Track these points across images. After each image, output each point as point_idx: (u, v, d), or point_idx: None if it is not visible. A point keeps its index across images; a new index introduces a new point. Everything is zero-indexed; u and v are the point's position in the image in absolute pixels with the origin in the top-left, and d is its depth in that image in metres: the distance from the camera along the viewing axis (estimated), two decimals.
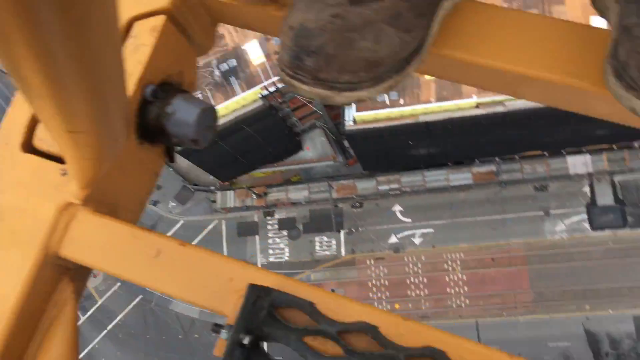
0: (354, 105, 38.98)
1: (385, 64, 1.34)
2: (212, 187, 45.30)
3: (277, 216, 44.19)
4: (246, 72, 39.35)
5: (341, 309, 1.48)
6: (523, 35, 1.45)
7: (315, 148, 45.21)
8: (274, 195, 43.81)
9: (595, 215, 40.42)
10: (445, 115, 38.13)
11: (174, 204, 45.24)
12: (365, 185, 43.09)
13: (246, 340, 1.42)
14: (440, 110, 38.37)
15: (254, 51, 39.85)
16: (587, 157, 40.54)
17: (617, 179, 40.97)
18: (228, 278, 1.50)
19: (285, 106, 40.54)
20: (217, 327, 1.44)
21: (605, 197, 40.75)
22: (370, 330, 1.41)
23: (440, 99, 38.94)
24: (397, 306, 42.78)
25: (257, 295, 1.49)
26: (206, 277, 1.52)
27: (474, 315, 41.50)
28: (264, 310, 1.49)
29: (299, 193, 43.62)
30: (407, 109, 38.53)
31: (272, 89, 38.36)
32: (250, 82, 39.57)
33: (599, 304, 40.21)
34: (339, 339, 1.43)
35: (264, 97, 38.47)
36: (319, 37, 1.28)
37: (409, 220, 43.58)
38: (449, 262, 42.19)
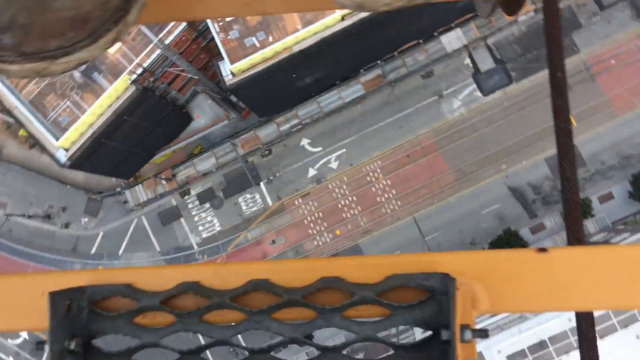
0: (226, 59, 42.65)
1: (94, 18, 1.33)
2: (119, 189, 47.14)
3: (193, 192, 47.49)
4: (106, 63, 41.42)
5: (160, 278, 1.78)
6: None
7: (205, 114, 48.57)
8: (183, 173, 46.13)
9: (483, 81, 46.82)
10: (316, 38, 42.11)
11: (86, 219, 47.53)
12: (267, 132, 47.12)
13: (73, 346, 1.57)
14: (310, 35, 42.15)
15: None
16: (458, 31, 46.14)
17: (491, 41, 47.26)
18: (38, 294, 1.63)
19: (159, 83, 43.04)
20: (40, 345, 1.57)
21: (485, 62, 47.11)
22: (191, 287, 1.74)
23: (306, 23, 42.78)
24: (338, 232, 48.34)
25: (69, 298, 1.64)
26: (13, 300, 1.67)
27: (409, 213, 47.53)
28: (84, 310, 1.67)
29: (206, 163, 45.91)
30: (278, 44, 42.01)
31: (139, 70, 41.09)
32: (114, 72, 40.92)
33: (512, 160, 47.12)
34: (165, 307, 1.72)
35: (134, 81, 40.41)
36: (8, 10, 1.26)
37: (320, 149, 48.40)
38: (371, 174, 47.61)
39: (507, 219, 45.63)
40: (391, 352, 1.89)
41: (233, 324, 1.83)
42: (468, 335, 1.83)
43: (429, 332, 1.90)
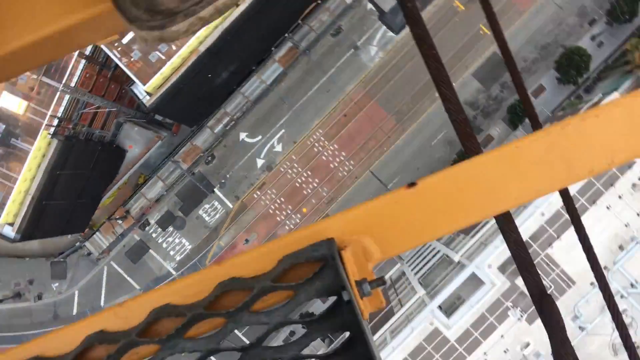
0: (137, 82, 41.69)
1: None
2: (77, 244, 46.33)
3: (153, 221, 46.75)
4: (20, 125, 40.18)
5: (65, 338, 1.75)
6: None
7: (136, 142, 47.65)
8: (136, 206, 45.61)
9: (390, 20, 47.18)
10: (218, 31, 41.92)
11: (56, 284, 46.59)
12: (203, 138, 46.46)
13: None
14: (211, 30, 41.90)
15: (10, 101, 39.03)
16: None
17: None
18: None
19: (80, 127, 41.94)
20: None
21: (387, 1, 47.67)
22: (96, 338, 1.75)
23: None
24: (304, 210, 48.69)
25: None
26: None
27: (365, 168, 48.07)
28: None
29: (154, 188, 44.98)
30: (183, 50, 41.14)
31: (55, 122, 39.97)
32: (31, 132, 39.72)
33: None
34: None
35: (54, 134, 39.46)
36: None
37: (259, 137, 48.20)
38: (316, 144, 47.84)
39: (456, 142, 46.51)
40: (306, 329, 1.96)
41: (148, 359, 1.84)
42: (367, 288, 1.91)
43: (335, 298, 1.97)
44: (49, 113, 38.90)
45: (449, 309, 34.45)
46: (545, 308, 3.06)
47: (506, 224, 3.13)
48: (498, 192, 2.04)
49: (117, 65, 39.88)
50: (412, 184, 2.06)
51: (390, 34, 46.75)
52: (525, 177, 2.02)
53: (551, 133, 2.00)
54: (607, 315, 32.44)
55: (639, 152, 1.94)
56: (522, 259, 3.09)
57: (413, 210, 2.06)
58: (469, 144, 3.33)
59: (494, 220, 3.01)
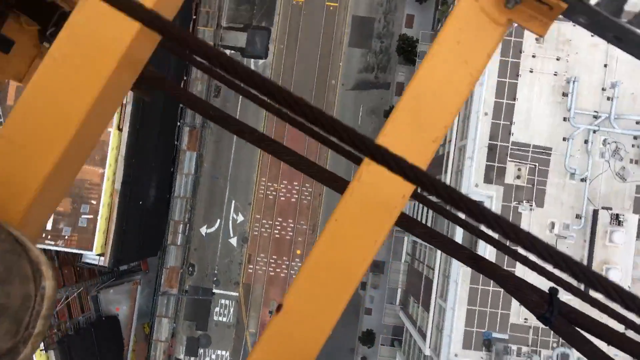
0: (85, 252, 41.42)
1: None
2: None
3: (182, 355, 46.22)
4: None
5: None
6: None
7: (119, 301, 47.08)
8: (159, 354, 44.74)
9: (253, 51, 48.09)
10: (120, 164, 42.12)
11: None
12: (172, 257, 45.95)
13: None
14: (114, 166, 42.16)
15: None
16: None
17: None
18: None
19: (64, 325, 41.43)
20: None
21: (239, 39, 48.84)
22: None
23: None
24: (298, 252, 48.72)
25: None
26: None
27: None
28: None
29: (163, 328, 44.18)
30: (103, 199, 41.68)
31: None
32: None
33: (333, 69, 49.75)
34: None
35: (47, 348, 39.01)
36: None
37: (218, 221, 47.35)
38: (268, 191, 47.67)
39: (377, 109, 47.43)
40: None
41: None
42: None
43: None
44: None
45: (472, 242, 34.93)
46: (483, 266, 3.24)
47: (409, 226, 3.32)
48: (348, 266, 2.31)
49: (57, 253, 39.45)
50: (279, 308, 2.26)
51: (261, 61, 47.46)
52: (359, 239, 2.29)
53: (354, 191, 2.27)
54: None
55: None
56: (440, 242, 3.28)
57: (295, 330, 2.24)
58: (332, 185, 3.54)
59: None
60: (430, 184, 1.47)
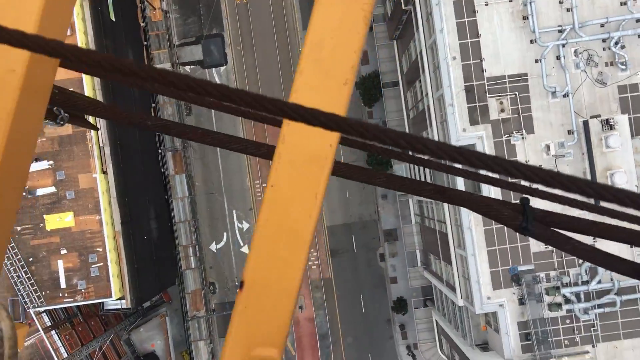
0: (106, 300, 41.59)
1: None
2: None
3: None
4: None
5: None
6: None
7: (152, 337, 47.20)
8: None
9: (213, 60, 47.96)
10: (115, 206, 42.28)
11: None
12: (191, 281, 46.36)
13: None
14: (109, 210, 42.29)
15: None
16: None
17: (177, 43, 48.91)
18: None
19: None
20: None
21: (195, 53, 48.66)
22: None
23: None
24: None
25: None
26: None
27: None
28: None
29: (201, 351, 45.30)
30: (108, 244, 41.96)
31: None
32: None
33: (294, 57, 49.84)
34: None
35: None
36: None
37: (225, 234, 48.35)
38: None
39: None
40: None
41: None
42: None
43: None
44: None
45: (475, 188, 35.09)
46: (450, 195, 3.26)
47: (368, 177, 3.34)
48: (295, 226, 2.36)
49: (78, 307, 39.59)
50: (241, 284, 2.30)
51: (222, 68, 47.28)
52: (298, 197, 2.35)
53: (281, 153, 2.30)
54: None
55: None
56: (403, 184, 3.31)
57: (261, 300, 2.28)
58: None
59: None
60: (349, 127, 1.51)
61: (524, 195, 3.05)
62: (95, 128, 3.69)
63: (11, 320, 1.90)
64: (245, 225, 47.25)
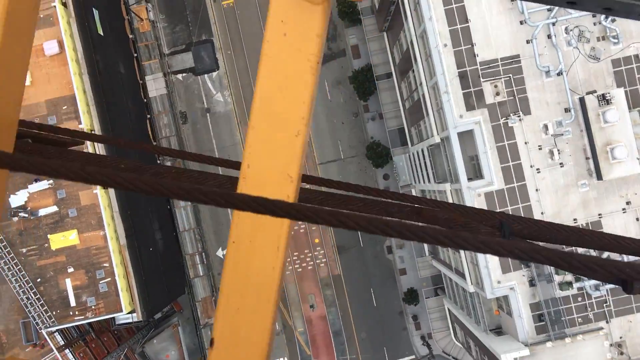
0: (117, 315, 41.68)
1: None
2: None
3: None
4: None
5: None
6: None
7: (166, 348, 47.45)
8: None
9: (204, 66, 48.08)
10: (118, 220, 42.38)
11: None
12: (200, 288, 47.10)
13: None
14: (112, 225, 42.37)
15: None
16: (154, 80, 47.56)
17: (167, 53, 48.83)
18: None
19: None
20: None
21: (186, 61, 48.56)
22: None
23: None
24: (317, 240, 49.19)
25: None
26: None
27: (314, 171, 49.39)
28: None
29: None
30: (114, 258, 42.08)
31: None
32: None
33: None
34: None
35: None
36: None
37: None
38: None
39: (341, 77, 47.24)
40: None
41: None
42: None
43: None
44: None
45: (477, 172, 35.07)
46: (426, 216, 3.22)
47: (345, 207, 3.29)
48: (260, 280, 2.42)
49: (89, 324, 39.67)
50: (211, 342, 2.36)
51: (214, 73, 47.25)
52: (260, 252, 2.41)
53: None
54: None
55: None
56: (381, 208, 3.26)
57: (233, 356, 2.33)
58: None
59: None
60: (292, 211, 1.55)
61: (501, 211, 3.11)
62: (80, 143, 3.66)
63: None
64: None
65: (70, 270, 38.82)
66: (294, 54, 2.33)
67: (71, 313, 38.61)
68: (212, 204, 1.59)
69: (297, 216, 1.58)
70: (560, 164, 33.85)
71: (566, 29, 34.03)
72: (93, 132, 38.09)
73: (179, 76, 47.15)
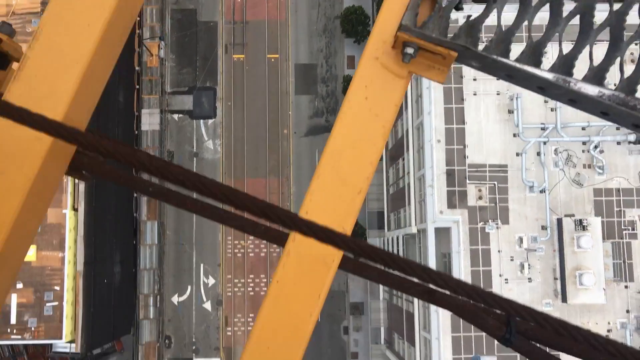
0: (55, 342, 39.94)
1: None
2: None
3: None
4: None
5: None
6: None
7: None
8: None
9: (202, 112, 48.50)
10: (80, 245, 41.39)
11: None
12: (147, 332, 45.12)
13: None
14: (73, 248, 41.35)
15: None
16: (149, 115, 47.94)
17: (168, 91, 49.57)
18: None
19: None
20: None
21: (186, 103, 49.32)
22: None
23: None
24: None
25: None
26: None
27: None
28: None
29: None
30: (67, 283, 40.81)
31: None
32: None
33: (283, 120, 50.61)
34: None
35: None
36: None
37: (189, 287, 47.19)
38: (236, 249, 47.90)
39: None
40: None
41: None
42: None
43: None
44: None
45: (447, 270, 35.17)
46: (438, 298, 3.29)
47: (361, 271, 3.39)
48: (296, 324, 2.41)
49: (25, 346, 37.94)
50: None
51: (210, 120, 47.73)
52: (302, 296, 2.40)
53: (291, 251, 2.39)
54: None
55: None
56: (395, 281, 3.36)
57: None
58: (282, 242, 3.60)
59: None
60: (359, 248, 1.57)
61: (507, 299, 3.12)
62: (87, 180, 3.72)
63: None
64: (212, 281, 46.41)
65: (19, 286, 37.52)
66: (371, 118, 2.48)
67: (9, 330, 36.97)
68: (278, 223, 1.61)
69: (357, 251, 1.60)
70: (529, 278, 34.14)
71: (556, 150, 35.22)
72: None
73: (175, 116, 47.55)
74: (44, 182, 2.29)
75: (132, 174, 3.76)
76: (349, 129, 2.51)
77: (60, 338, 37.60)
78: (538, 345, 3.10)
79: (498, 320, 3.02)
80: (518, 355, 33.60)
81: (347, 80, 46.75)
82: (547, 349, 3.13)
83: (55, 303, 37.88)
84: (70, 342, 38.19)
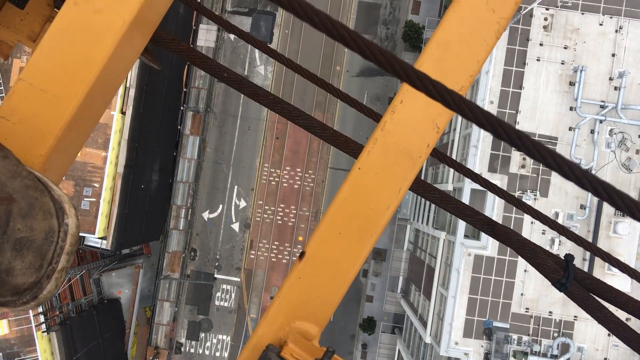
0: (87, 235, 41.61)
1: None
2: None
3: (183, 339, 46.89)
4: (14, 343, 39.51)
5: None
6: None
7: (121, 284, 47.23)
8: (160, 337, 45.19)
9: (259, 34, 48.26)
10: (123, 147, 42.30)
11: None
12: (175, 242, 46.26)
13: None
14: (116, 150, 42.25)
15: None
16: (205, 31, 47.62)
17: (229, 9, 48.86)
18: None
19: (65, 308, 41.88)
20: None
21: (242, 22, 48.65)
22: None
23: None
24: (300, 238, 49.05)
25: None
26: None
27: (324, 169, 48.74)
28: None
29: (164, 312, 45.17)
30: (106, 182, 41.95)
31: (42, 319, 39.47)
32: (28, 342, 39.52)
33: (338, 55, 49.49)
34: None
35: (48, 329, 39.11)
36: None
37: (220, 206, 48.15)
38: (271, 177, 48.32)
39: (382, 96, 47.25)
40: None
41: None
42: None
43: None
44: (31, 315, 38.27)
45: (475, 233, 34.96)
46: (498, 231, 3.20)
47: (424, 190, 3.30)
48: (372, 214, 2.30)
49: None
50: (302, 255, 2.30)
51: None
52: (382, 187, 2.28)
53: (378, 139, 2.26)
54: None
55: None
56: (456, 207, 3.26)
57: (317, 276, 2.28)
58: (348, 149, 3.53)
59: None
60: (468, 109, 1.42)
61: (569, 252, 3.01)
62: (158, 66, 3.67)
63: (77, 219, 1.89)
64: (243, 204, 47.21)
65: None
66: (487, 13, 2.30)
67: None
68: (385, 68, 1.46)
69: (465, 113, 1.45)
70: (557, 255, 33.67)
71: (611, 130, 33.93)
72: None
73: (232, 36, 47.19)
74: (132, 39, 2.23)
75: (204, 55, 3.67)
76: (461, 22, 2.32)
77: (93, 233, 39.01)
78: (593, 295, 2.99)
79: (557, 263, 2.92)
80: (531, 327, 33.67)
81: (409, 26, 45.38)
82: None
83: (93, 199, 39.14)
84: (102, 238, 39.63)
